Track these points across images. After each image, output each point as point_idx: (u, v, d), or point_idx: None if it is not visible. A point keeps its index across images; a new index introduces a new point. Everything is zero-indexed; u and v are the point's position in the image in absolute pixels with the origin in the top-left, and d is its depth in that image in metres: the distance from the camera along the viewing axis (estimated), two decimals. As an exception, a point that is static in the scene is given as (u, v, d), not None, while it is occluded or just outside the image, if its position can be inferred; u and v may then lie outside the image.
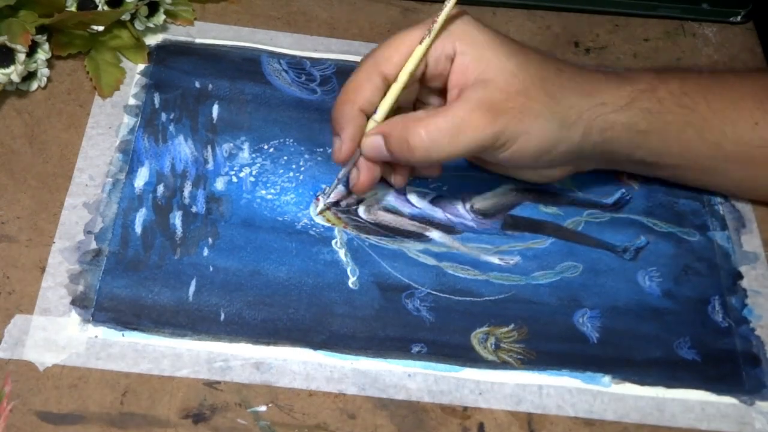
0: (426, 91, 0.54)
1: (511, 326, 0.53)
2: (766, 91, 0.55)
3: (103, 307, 0.50)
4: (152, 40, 0.63)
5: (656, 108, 0.53)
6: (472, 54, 0.50)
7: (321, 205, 0.56)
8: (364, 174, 0.53)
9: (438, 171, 0.56)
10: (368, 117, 0.52)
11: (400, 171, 0.55)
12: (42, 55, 0.58)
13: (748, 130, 0.54)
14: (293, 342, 0.50)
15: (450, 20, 0.50)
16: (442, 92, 0.52)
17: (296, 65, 0.63)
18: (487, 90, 0.49)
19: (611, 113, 0.52)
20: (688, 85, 0.54)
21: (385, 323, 0.52)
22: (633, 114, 0.52)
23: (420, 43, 0.50)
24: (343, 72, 0.63)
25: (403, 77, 0.50)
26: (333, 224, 0.55)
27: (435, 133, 0.49)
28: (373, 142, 0.51)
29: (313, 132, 0.60)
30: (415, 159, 0.50)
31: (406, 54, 0.50)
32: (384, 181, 0.56)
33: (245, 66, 0.62)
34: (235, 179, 0.57)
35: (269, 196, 0.56)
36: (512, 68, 0.50)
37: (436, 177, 0.57)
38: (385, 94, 0.51)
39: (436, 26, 0.50)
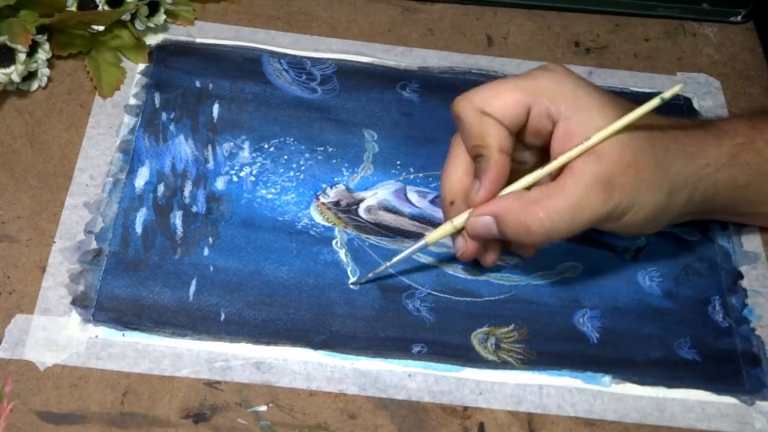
0: (523, 152, 0.52)
1: (512, 326, 0.53)
2: None
3: (104, 307, 0.50)
4: (153, 39, 0.63)
5: (755, 161, 0.52)
6: (577, 119, 0.48)
7: (367, 276, 0.53)
8: (472, 245, 0.51)
9: (534, 251, 0.54)
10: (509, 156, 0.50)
11: (494, 248, 0.53)
12: (42, 54, 0.58)
13: None
14: (294, 342, 0.50)
15: (554, 77, 0.49)
16: (540, 152, 0.51)
17: (297, 65, 0.63)
18: (601, 164, 0.47)
19: (714, 173, 0.51)
20: None
21: (385, 323, 0.52)
22: (734, 170, 0.51)
23: (539, 123, 0.49)
24: (344, 71, 0.63)
25: (539, 173, 0.49)
26: (333, 224, 0.55)
27: (555, 216, 0.47)
28: (484, 223, 0.49)
29: (314, 131, 0.60)
30: (532, 241, 0.49)
31: (509, 101, 0.48)
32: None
33: (246, 65, 0.62)
34: (235, 179, 0.57)
35: (270, 196, 0.56)
36: (623, 137, 0.48)
37: (530, 256, 0.55)
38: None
39: (597, 138, 0.48)
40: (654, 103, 0.48)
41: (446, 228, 0.51)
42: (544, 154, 0.50)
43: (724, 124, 0.53)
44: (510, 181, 0.50)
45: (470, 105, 0.49)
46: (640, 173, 0.48)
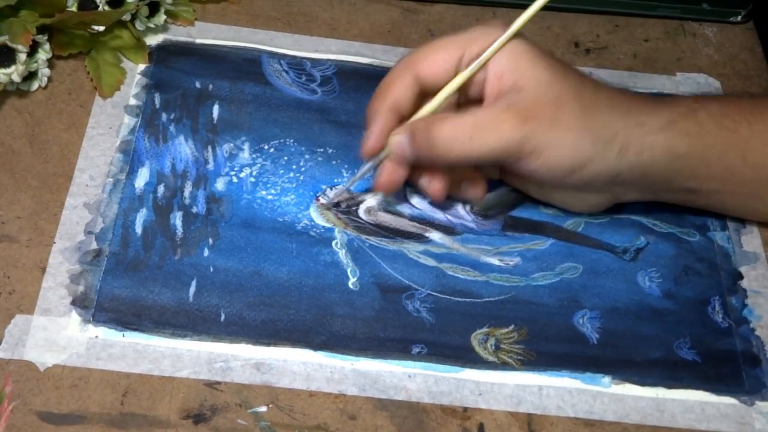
0: (465, 102, 0.53)
1: (511, 327, 0.53)
2: None
3: (104, 308, 0.50)
4: (153, 40, 0.63)
5: (696, 130, 0.51)
6: (507, 62, 0.50)
7: (341, 188, 0.56)
8: (387, 171, 0.52)
9: (479, 192, 0.55)
10: (400, 116, 0.52)
11: (435, 176, 0.54)
12: (43, 55, 0.58)
13: None
14: (293, 343, 0.50)
15: (487, 29, 0.51)
16: (480, 102, 0.52)
17: (296, 66, 0.63)
18: (519, 96, 0.49)
19: (649, 134, 0.50)
20: (728, 107, 0.53)
21: (385, 324, 0.52)
22: (672, 136, 0.51)
23: (468, 65, 0.50)
24: (344, 72, 0.63)
25: (446, 91, 0.51)
26: (333, 225, 0.55)
27: (457, 130, 0.49)
28: (399, 140, 0.51)
29: (314, 132, 0.60)
30: (436, 155, 0.50)
31: (443, 61, 0.51)
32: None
33: (246, 66, 0.62)
34: (235, 179, 0.57)
35: (269, 197, 0.56)
36: (547, 78, 0.49)
37: (477, 198, 0.56)
38: (416, 96, 0.52)
39: (495, 46, 0.50)
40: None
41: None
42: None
43: (666, 97, 0.55)
44: None
45: (406, 60, 0.52)
46: (559, 112, 0.49)
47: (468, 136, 0.49)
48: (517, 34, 0.50)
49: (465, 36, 0.51)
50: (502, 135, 0.49)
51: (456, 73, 0.51)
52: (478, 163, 0.51)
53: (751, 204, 0.57)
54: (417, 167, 0.53)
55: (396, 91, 0.51)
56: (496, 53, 0.50)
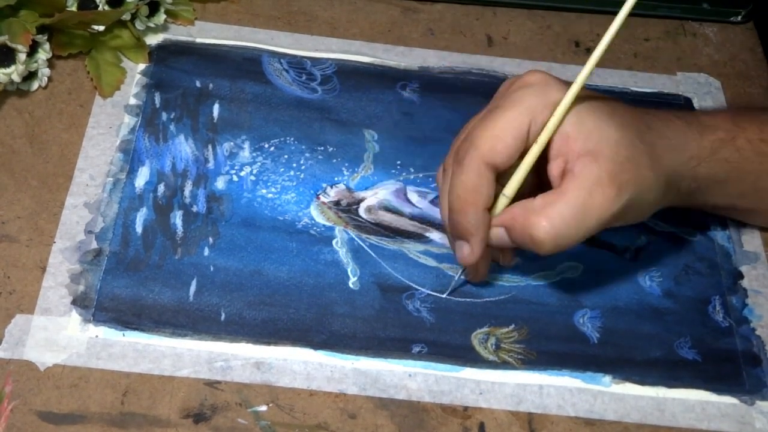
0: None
1: (512, 326, 0.53)
2: None
3: (104, 307, 0.50)
4: (153, 39, 0.63)
5: (735, 158, 0.52)
6: (571, 122, 0.48)
7: (450, 290, 0.54)
8: (483, 267, 0.53)
9: (552, 252, 0.52)
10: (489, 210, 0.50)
11: (509, 251, 0.54)
12: (43, 54, 0.58)
13: None
14: (294, 342, 0.50)
15: (545, 91, 0.49)
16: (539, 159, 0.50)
17: (297, 65, 0.63)
18: (599, 163, 0.47)
19: (696, 167, 0.51)
20: (766, 130, 0.53)
21: (385, 323, 0.52)
22: (714, 165, 0.51)
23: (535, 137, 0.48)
24: (344, 71, 0.63)
25: (531, 157, 0.48)
26: (334, 224, 0.55)
27: (559, 224, 0.47)
28: (497, 235, 0.49)
29: (314, 131, 0.60)
30: (544, 251, 0.48)
31: (510, 142, 0.48)
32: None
33: (246, 65, 0.62)
34: (235, 178, 0.57)
35: (270, 195, 0.56)
36: (615, 136, 0.48)
37: (511, 263, 0.55)
38: (495, 181, 0.49)
39: (561, 110, 0.47)
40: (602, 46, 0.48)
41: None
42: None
43: (706, 119, 0.53)
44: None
45: (476, 156, 0.48)
46: (639, 168, 0.48)
47: (572, 227, 0.47)
48: (563, 83, 0.49)
49: (522, 107, 0.48)
50: (603, 213, 0.47)
51: (527, 147, 0.49)
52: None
53: None
54: None
55: (484, 192, 0.48)
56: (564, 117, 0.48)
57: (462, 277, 0.54)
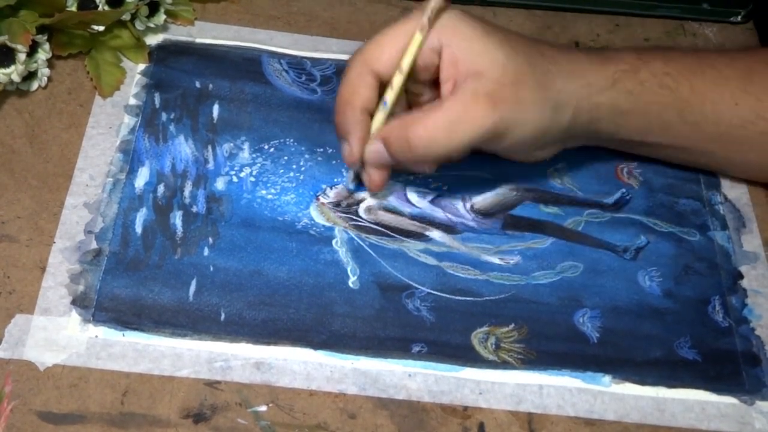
0: (418, 86, 0.54)
1: (512, 326, 0.53)
2: (750, 71, 0.55)
3: (104, 307, 0.50)
4: (153, 39, 0.63)
5: (638, 89, 0.53)
6: (459, 45, 0.51)
7: (340, 187, 0.57)
8: (376, 174, 0.54)
9: (431, 168, 0.55)
10: (371, 115, 0.52)
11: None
12: (42, 54, 0.58)
13: (727, 110, 0.54)
14: (293, 342, 0.50)
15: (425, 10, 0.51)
16: (434, 85, 0.53)
17: (297, 65, 0.63)
18: (481, 82, 0.50)
19: (596, 94, 0.52)
20: (671, 65, 0.54)
21: (385, 323, 0.52)
22: (615, 95, 0.53)
23: (419, 30, 0.50)
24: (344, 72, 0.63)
25: (405, 65, 0.51)
26: (333, 224, 0.55)
27: (433, 130, 0.49)
28: (376, 149, 0.52)
29: (314, 132, 0.60)
30: (416, 158, 0.51)
31: (395, 51, 0.51)
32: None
33: (246, 66, 0.62)
34: (235, 179, 0.57)
35: (269, 196, 0.56)
36: (502, 59, 0.50)
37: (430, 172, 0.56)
38: (379, 91, 0.52)
39: (427, 15, 0.50)
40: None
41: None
42: (437, 87, 0.53)
43: (609, 52, 0.55)
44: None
45: (360, 60, 0.52)
46: (521, 91, 0.50)
47: (444, 134, 0.49)
48: (463, 11, 0.51)
49: (412, 22, 0.51)
50: (476, 125, 0.49)
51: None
52: (455, 155, 0.52)
53: (695, 158, 0.59)
54: None
55: (362, 94, 0.52)
56: (434, 23, 0.51)
57: (351, 183, 0.56)
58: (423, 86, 0.54)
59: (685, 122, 0.55)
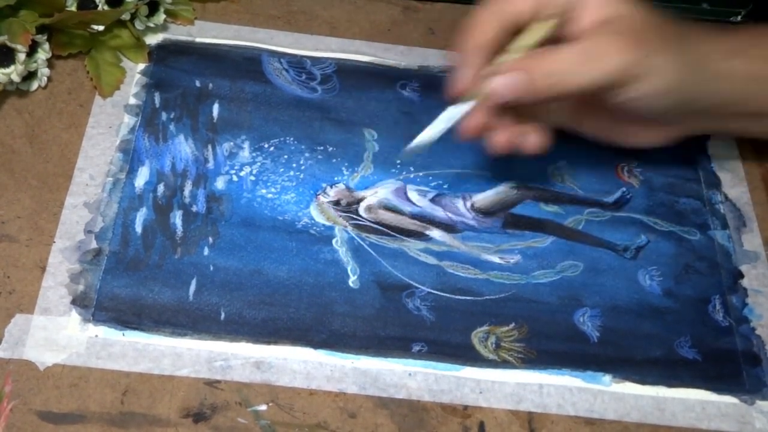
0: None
1: (512, 325, 0.53)
2: None
3: (104, 307, 0.50)
4: (152, 39, 0.63)
5: (766, 54, 0.52)
6: (597, 3, 0.49)
7: (415, 143, 0.53)
8: (477, 117, 0.51)
9: (547, 137, 0.53)
10: (489, 56, 0.51)
11: (535, 129, 0.53)
12: (42, 54, 0.58)
13: None
14: (294, 341, 0.50)
15: None
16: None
17: (297, 64, 0.63)
18: (622, 24, 0.48)
19: (732, 58, 0.51)
20: None
21: (385, 322, 0.52)
22: (747, 60, 0.52)
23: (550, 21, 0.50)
24: (344, 71, 0.63)
25: (543, 28, 0.50)
26: (334, 223, 0.55)
27: (566, 60, 0.48)
28: (511, 79, 0.48)
29: (314, 131, 0.60)
30: (545, 87, 0.48)
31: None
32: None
33: (246, 65, 0.62)
34: (235, 178, 0.57)
35: (270, 195, 0.56)
36: (642, 10, 0.49)
37: (545, 148, 0.54)
38: (507, 33, 0.51)
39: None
40: None
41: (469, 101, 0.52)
42: None
43: (725, 29, 0.54)
44: None
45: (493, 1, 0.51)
46: (663, 37, 0.49)
47: (581, 64, 0.47)
48: None
49: None
50: (616, 59, 0.47)
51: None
52: (580, 93, 0.49)
53: None
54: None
55: (486, 30, 0.50)
56: None
57: (420, 143, 0.53)
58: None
59: None
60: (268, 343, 0.50)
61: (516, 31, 0.51)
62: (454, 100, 0.51)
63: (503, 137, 0.52)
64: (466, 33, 0.51)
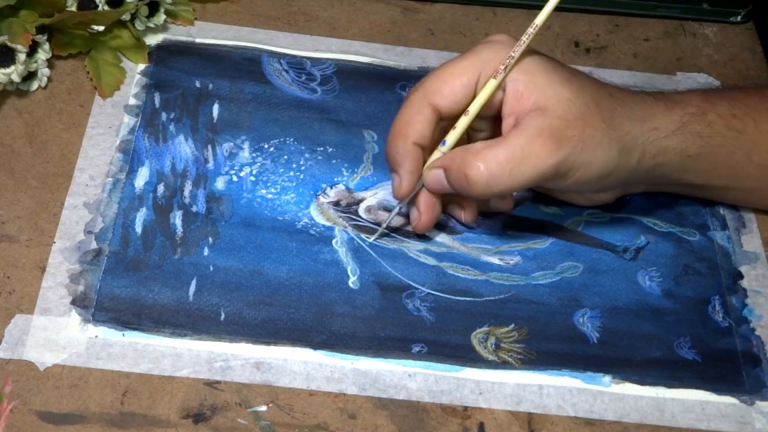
0: (479, 122, 0.52)
1: (512, 326, 0.53)
2: None
3: (104, 307, 0.50)
4: (152, 39, 0.63)
5: (706, 132, 0.52)
6: (524, 81, 0.49)
7: (377, 235, 0.55)
8: (425, 215, 0.53)
9: (510, 204, 0.55)
10: (423, 150, 0.51)
11: (468, 206, 0.54)
12: (42, 54, 0.58)
13: None
14: (293, 342, 0.50)
15: (496, 46, 0.50)
16: (494, 121, 0.52)
17: (296, 65, 0.63)
18: (546, 118, 0.48)
19: (663, 138, 0.51)
20: (737, 106, 0.53)
21: (385, 323, 0.52)
22: (684, 138, 0.52)
23: (494, 77, 0.49)
24: (343, 71, 0.63)
25: (473, 109, 0.50)
26: (333, 223, 0.55)
27: (494, 166, 0.48)
28: (435, 176, 0.51)
29: (314, 131, 0.60)
30: (476, 193, 0.49)
31: (458, 86, 0.50)
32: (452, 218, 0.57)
33: (245, 66, 0.62)
34: (235, 179, 0.57)
35: (269, 196, 0.56)
36: (568, 95, 0.49)
37: (508, 210, 0.56)
38: (436, 127, 0.51)
39: (511, 61, 0.49)
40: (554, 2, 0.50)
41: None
42: (498, 123, 0.52)
43: (675, 96, 0.54)
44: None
45: (420, 92, 0.51)
46: (587, 129, 0.49)
47: (506, 171, 0.48)
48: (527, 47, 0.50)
49: (476, 58, 0.50)
50: (539, 163, 0.48)
51: (473, 97, 0.50)
52: (514, 192, 0.51)
53: (756, 198, 0.58)
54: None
55: (417, 127, 0.50)
56: (511, 70, 0.49)
57: (398, 215, 0.54)
58: (483, 122, 0.53)
59: (752, 163, 0.54)
60: (268, 343, 0.50)
61: (448, 120, 0.51)
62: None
63: (472, 214, 0.55)
64: (399, 131, 0.51)
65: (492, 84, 0.49)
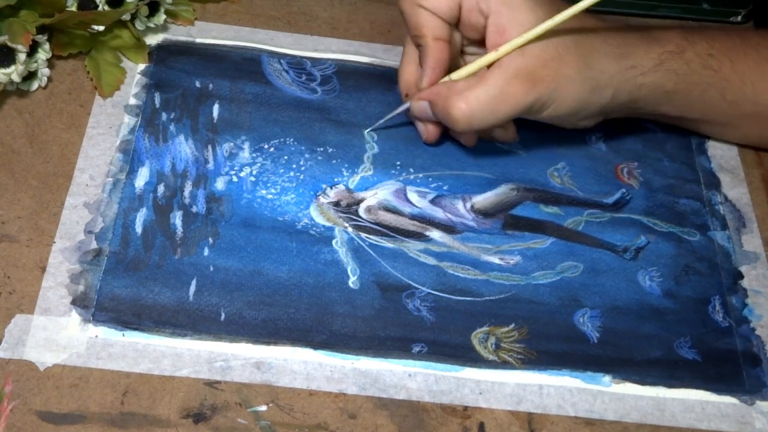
0: (466, 41, 0.57)
1: (512, 326, 0.53)
2: None
3: (104, 307, 0.50)
4: (153, 39, 0.63)
5: (683, 70, 0.55)
6: (507, 15, 0.52)
7: (382, 122, 0.59)
8: (432, 127, 0.58)
9: (513, 134, 0.58)
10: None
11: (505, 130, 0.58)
12: (42, 54, 0.58)
13: (766, 90, 0.56)
14: (294, 342, 0.50)
15: None
16: (480, 43, 0.55)
17: (297, 65, 0.63)
18: (524, 59, 0.51)
19: (639, 76, 0.54)
20: (715, 46, 0.56)
21: (385, 323, 0.52)
22: (660, 75, 0.54)
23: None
24: (344, 72, 0.63)
25: (503, 49, 0.52)
26: (333, 224, 0.55)
27: (475, 105, 0.52)
28: (421, 106, 0.55)
29: (314, 131, 0.60)
30: (459, 129, 0.54)
31: None
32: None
33: (246, 66, 0.62)
34: (235, 179, 0.57)
35: (270, 196, 0.56)
36: (547, 34, 0.52)
37: (513, 140, 0.59)
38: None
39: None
40: (583, 4, 0.51)
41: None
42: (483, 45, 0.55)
43: (657, 32, 0.57)
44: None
45: (409, 0, 0.55)
46: (562, 68, 0.52)
47: (486, 110, 0.52)
48: None
49: None
50: (515, 103, 0.52)
51: (458, 15, 0.54)
52: (495, 128, 0.55)
53: (726, 132, 0.61)
54: None
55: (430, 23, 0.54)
56: (492, 1, 0.53)
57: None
58: (474, 45, 0.56)
59: (726, 101, 0.57)
60: (268, 343, 0.50)
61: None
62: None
63: (470, 137, 0.58)
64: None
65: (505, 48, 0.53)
